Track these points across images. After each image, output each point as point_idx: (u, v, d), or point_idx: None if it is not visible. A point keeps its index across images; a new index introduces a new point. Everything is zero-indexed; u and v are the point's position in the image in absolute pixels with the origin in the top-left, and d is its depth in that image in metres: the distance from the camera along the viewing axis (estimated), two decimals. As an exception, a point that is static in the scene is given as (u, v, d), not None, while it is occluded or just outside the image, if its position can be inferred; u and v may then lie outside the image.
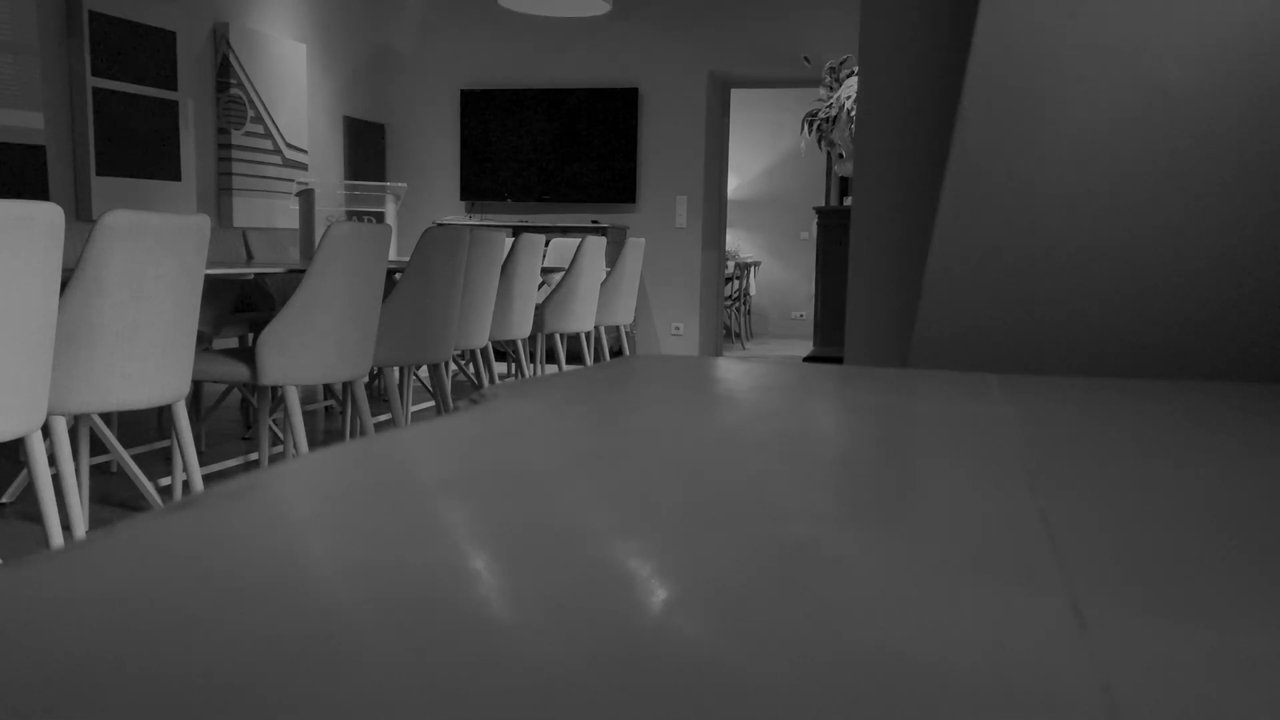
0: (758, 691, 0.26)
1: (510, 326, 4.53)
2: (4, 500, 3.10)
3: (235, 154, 5.57)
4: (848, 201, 7.02)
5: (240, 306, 4.03)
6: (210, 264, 3.26)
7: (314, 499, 0.46)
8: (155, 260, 2.31)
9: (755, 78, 7.07)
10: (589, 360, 5.52)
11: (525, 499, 0.45)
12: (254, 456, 3.78)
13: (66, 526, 2.29)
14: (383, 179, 7.29)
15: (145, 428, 4.26)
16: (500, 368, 6.19)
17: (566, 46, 7.09)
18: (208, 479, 3.23)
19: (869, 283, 1.87)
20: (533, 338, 5.20)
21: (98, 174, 4.68)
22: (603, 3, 5.18)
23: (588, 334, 5.42)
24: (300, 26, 6.29)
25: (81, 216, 4.61)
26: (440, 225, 3.55)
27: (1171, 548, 0.40)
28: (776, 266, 10.38)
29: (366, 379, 4.17)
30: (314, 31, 6.44)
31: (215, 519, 0.40)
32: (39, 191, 4.37)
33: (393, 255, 4.07)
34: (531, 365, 5.24)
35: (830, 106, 5.58)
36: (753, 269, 9.92)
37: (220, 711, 0.24)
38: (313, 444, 3.81)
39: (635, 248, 5.91)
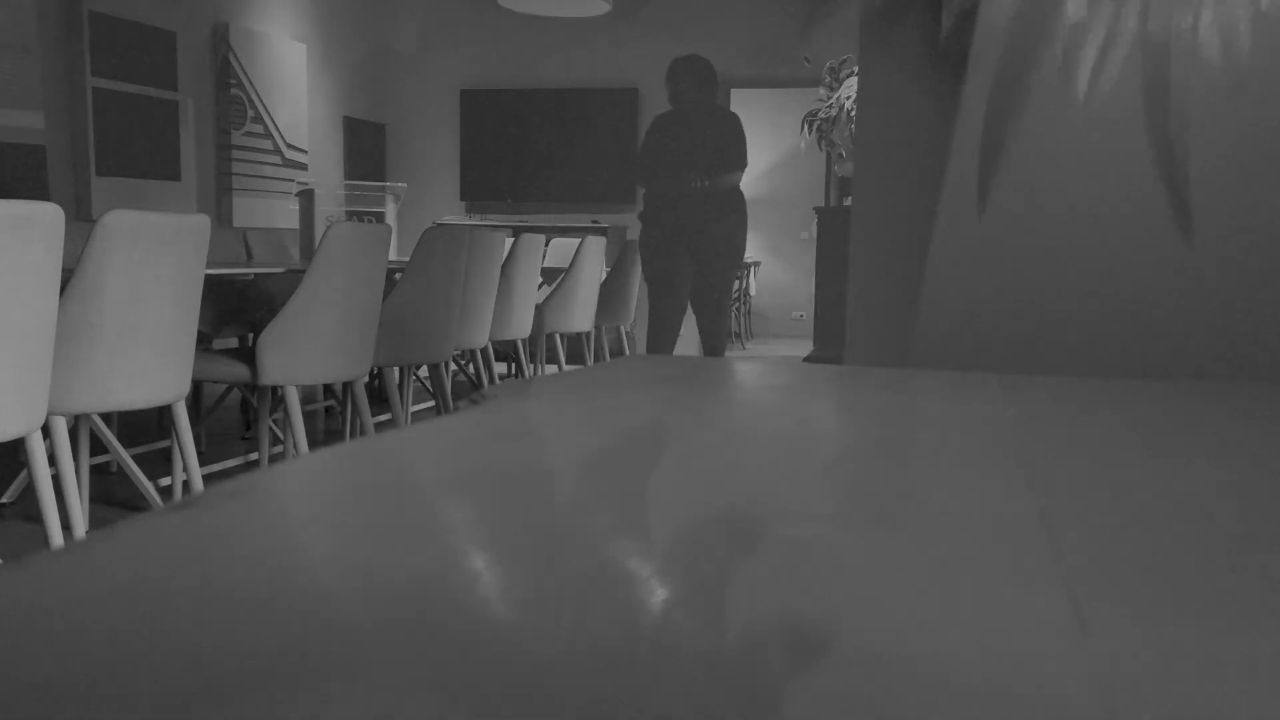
0: (758, 691, 0.26)
1: (510, 326, 4.53)
2: (4, 500, 3.10)
3: (235, 154, 5.57)
4: (848, 201, 7.02)
5: (240, 306, 4.03)
6: (210, 264, 3.26)
7: (314, 499, 0.46)
8: (155, 260, 2.31)
9: (755, 78, 7.07)
10: (589, 360, 5.52)
11: (525, 499, 0.45)
12: (254, 456, 3.78)
13: (66, 526, 2.29)
14: (383, 179, 7.29)
15: (145, 428, 4.26)
16: (500, 368, 6.20)
17: (566, 46, 7.09)
18: (208, 479, 3.23)
19: (869, 283, 1.87)
20: (533, 338, 5.20)
21: (98, 174, 4.68)
22: (603, 3, 5.18)
23: (588, 334, 5.42)
24: (300, 26, 6.29)
25: (81, 216, 4.61)
26: (440, 225, 3.55)
27: (1171, 548, 0.40)
28: (776, 266, 10.38)
29: (366, 379, 4.17)
30: (314, 31, 6.44)
31: (215, 519, 0.40)
32: (39, 191, 4.37)
33: (393, 255, 4.07)
34: (531, 365, 5.24)
35: (830, 106, 5.58)
36: (753, 269, 9.91)
37: (220, 711, 0.24)
38: (313, 444, 3.81)
39: (635, 248, 5.91)
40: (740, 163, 4.30)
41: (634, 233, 7.00)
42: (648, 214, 4.35)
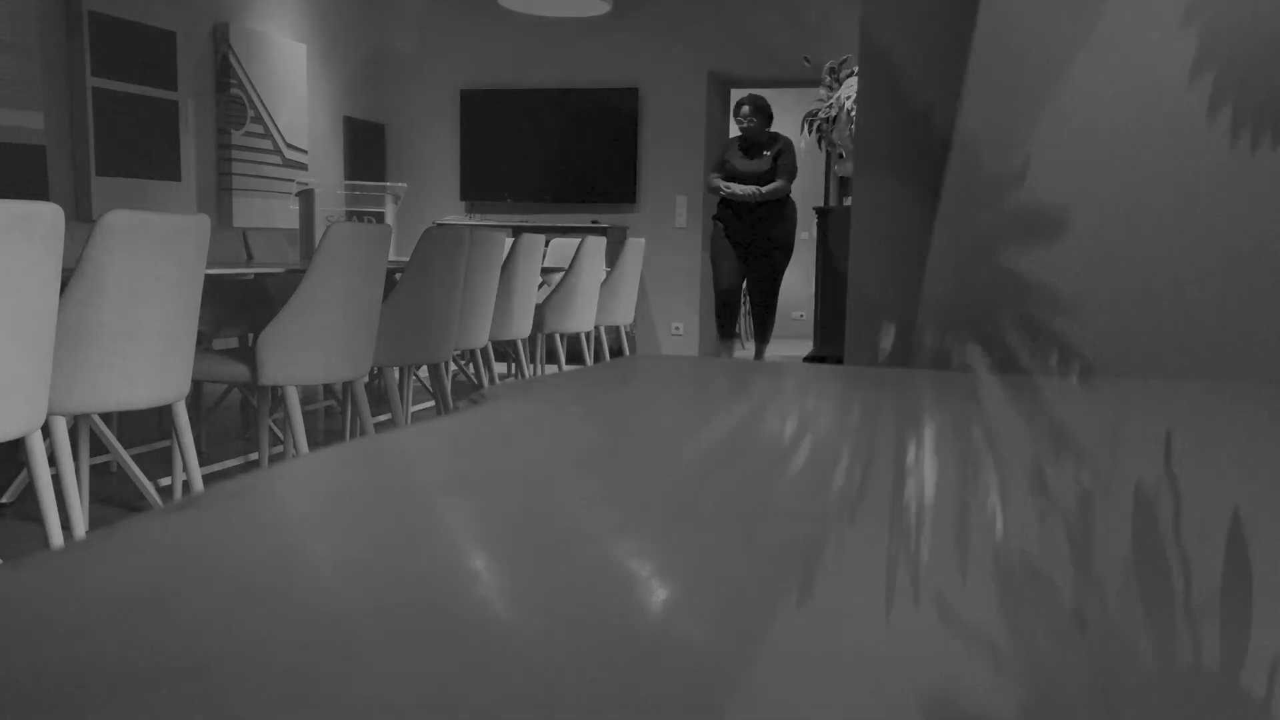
0: (758, 691, 0.26)
1: (510, 326, 4.52)
2: (4, 500, 3.10)
3: (235, 154, 5.57)
4: (848, 201, 7.02)
5: (240, 306, 4.03)
6: (210, 264, 3.26)
7: (314, 499, 0.46)
8: (155, 260, 2.31)
9: (755, 78, 7.07)
10: (589, 360, 5.52)
11: (525, 499, 0.45)
12: (254, 456, 3.78)
13: (66, 526, 2.29)
14: (383, 179, 7.29)
15: (145, 428, 4.26)
16: (500, 368, 6.20)
17: (566, 46, 7.09)
18: (208, 479, 3.23)
19: (869, 283, 1.87)
20: (533, 338, 5.20)
21: (98, 174, 4.68)
22: (603, 3, 5.18)
23: (588, 334, 5.42)
24: (300, 26, 6.29)
25: (81, 216, 4.61)
26: (440, 225, 3.54)
27: (1171, 547, 0.40)
28: (776, 266, 10.35)
29: (366, 379, 4.17)
30: (314, 31, 6.44)
31: (215, 519, 0.40)
32: (39, 191, 4.37)
33: (393, 255, 4.07)
34: (531, 365, 5.24)
35: (830, 106, 5.59)
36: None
37: (220, 711, 0.24)
38: (313, 444, 3.81)
39: (635, 248, 5.91)
40: (793, 172, 5.90)
41: (634, 232, 7.01)
42: (722, 216, 5.81)
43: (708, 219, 7.30)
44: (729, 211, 5.79)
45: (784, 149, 5.86)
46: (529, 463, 0.53)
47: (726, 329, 6.00)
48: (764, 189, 5.70)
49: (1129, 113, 1.18)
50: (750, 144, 5.87)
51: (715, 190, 5.88)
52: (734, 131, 8.24)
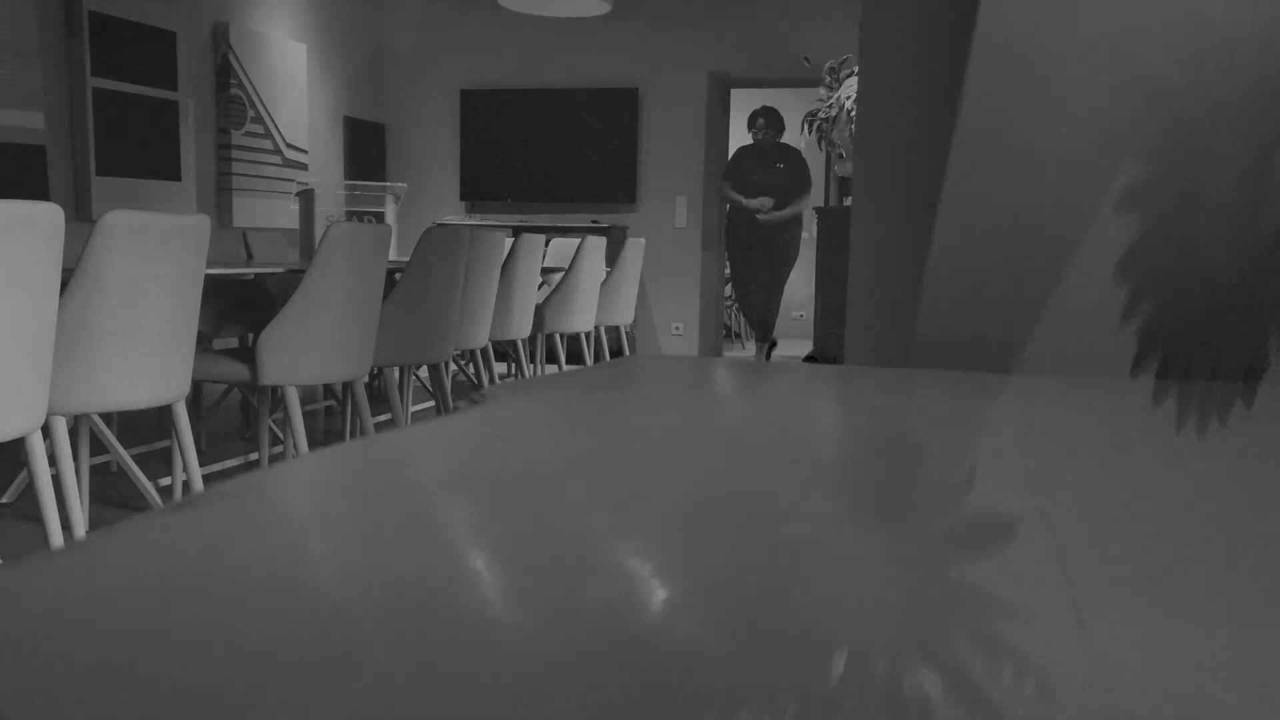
0: (757, 691, 0.26)
1: (510, 326, 4.52)
2: (4, 500, 3.10)
3: (235, 154, 5.57)
4: (848, 201, 7.02)
5: (240, 306, 4.03)
6: (210, 264, 3.26)
7: (314, 499, 0.46)
8: (155, 260, 2.31)
9: (755, 78, 7.07)
10: (589, 360, 5.52)
11: (525, 499, 0.45)
12: (254, 456, 3.78)
13: (66, 526, 2.29)
14: (383, 179, 7.29)
15: (145, 428, 4.26)
16: (500, 368, 6.19)
17: (566, 46, 7.09)
18: (208, 479, 3.23)
19: (869, 283, 1.87)
20: (533, 338, 5.19)
21: (98, 174, 4.67)
22: (603, 3, 5.18)
23: (588, 334, 5.42)
24: (300, 26, 6.29)
25: (81, 216, 4.61)
26: (440, 225, 3.54)
27: (1171, 548, 0.40)
28: (776, 266, 10.34)
29: (366, 379, 4.17)
30: (314, 31, 6.44)
31: (215, 519, 0.40)
32: (39, 191, 4.37)
33: (393, 255, 4.07)
34: (531, 365, 5.24)
35: (830, 106, 5.59)
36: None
37: (220, 711, 0.24)
38: (313, 444, 3.81)
39: (635, 248, 5.91)
40: (807, 186, 6.24)
41: (634, 232, 7.02)
42: (731, 223, 6.45)
43: (708, 219, 7.33)
44: (745, 218, 6.25)
45: (799, 163, 6.26)
46: (529, 463, 0.53)
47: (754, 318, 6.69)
48: (787, 210, 6.21)
49: (1129, 111, 1.18)
50: (763, 154, 6.22)
51: (727, 200, 6.35)
52: (734, 135, 8.30)
